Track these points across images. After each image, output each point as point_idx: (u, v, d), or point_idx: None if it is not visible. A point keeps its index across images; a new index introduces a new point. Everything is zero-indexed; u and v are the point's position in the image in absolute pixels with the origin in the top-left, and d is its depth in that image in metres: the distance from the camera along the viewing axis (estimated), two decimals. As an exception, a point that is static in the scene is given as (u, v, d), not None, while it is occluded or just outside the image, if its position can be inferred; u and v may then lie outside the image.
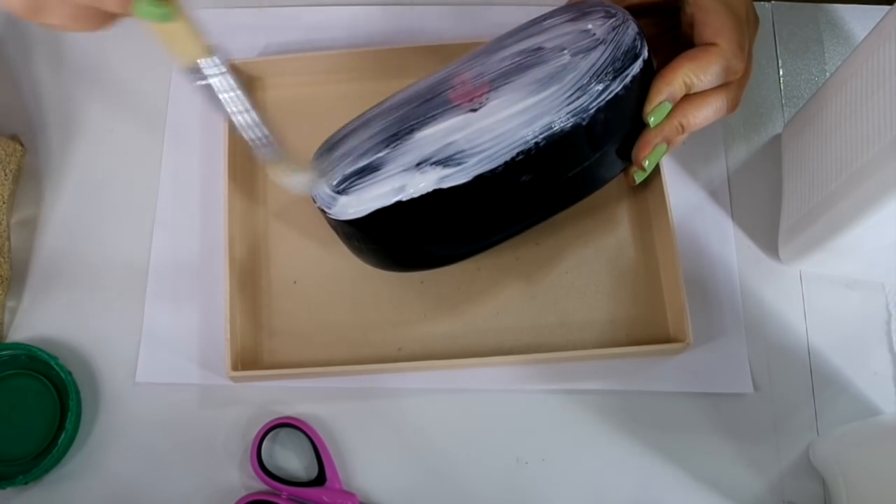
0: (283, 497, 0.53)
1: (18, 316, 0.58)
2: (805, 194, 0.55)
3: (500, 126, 0.47)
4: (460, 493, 0.54)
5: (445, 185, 0.48)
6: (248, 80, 0.63)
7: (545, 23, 0.51)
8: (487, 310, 0.57)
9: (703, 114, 0.51)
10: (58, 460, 0.54)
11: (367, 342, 0.57)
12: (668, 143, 0.51)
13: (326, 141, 0.53)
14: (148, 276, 0.59)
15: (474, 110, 0.48)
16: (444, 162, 0.47)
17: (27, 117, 0.63)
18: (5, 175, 0.58)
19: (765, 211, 0.60)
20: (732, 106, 0.52)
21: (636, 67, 0.49)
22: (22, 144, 0.61)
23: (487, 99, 0.48)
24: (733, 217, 0.60)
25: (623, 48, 0.48)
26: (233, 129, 0.45)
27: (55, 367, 0.54)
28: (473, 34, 0.62)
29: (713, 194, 0.61)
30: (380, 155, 0.49)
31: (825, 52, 0.65)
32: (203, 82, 0.43)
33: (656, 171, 0.57)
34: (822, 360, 0.57)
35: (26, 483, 0.53)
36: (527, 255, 0.58)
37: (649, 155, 0.51)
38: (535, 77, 0.48)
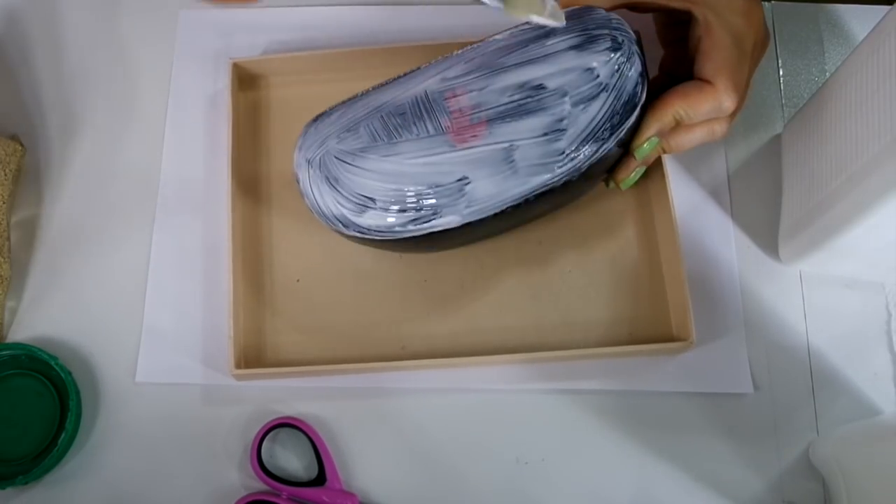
0: (283, 497, 0.53)
1: (18, 316, 0.58)
2: (805, 194, 0.55)
3: (495, 185, 0.49)
4: (460, 493, 0.54)
5: (436, 229, 0.50)
6: (250, 79, 0.63)
7: (549, 43, 0.50)
8: (490, 309, 0.57)
9: (688, 140, 0.53)
10: (58, 460, 0.54)
11: (371, 340, 0.57)
12: (647, 164, 0.54)
13: (314, 124, 0.52)
14: (148, 277, 0.59)
15: (470, 148, 0.49)
16: (437, 211, 0.49)
17: (27, 117, 0.63)
18: (5, 175, 0.58)
19: (765, 211, 0.60)
20: (720, 137, 0.53)
21: (633, 118, 0.50)
22: (22, 144, 0.61)
23: (484, 141, 0.49)
24: (733, 217, 0.60)
25: (623, 98, 0.49)
26: None
27: (55, 367, 0.54)
28: (475, 33, 0.62)
29: (713, 194, 0.61)
30: (371, 194, 0.49)
31: (825, 52, 0.65)
32: None
33: (660, 169, 0.57)
34: (822, 360, 0.57)
35: (26, 483, 0.53)
36: (529, 254, 0.58)
37: (628, 177, 0.54)
38: (532, 127, 0.49)
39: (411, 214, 0.49)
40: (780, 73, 0.64)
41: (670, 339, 0.56)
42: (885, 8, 0.50)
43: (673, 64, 0.56)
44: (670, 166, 0.59)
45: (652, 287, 0.58)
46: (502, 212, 0.50)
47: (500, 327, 0.57)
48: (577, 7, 0.51)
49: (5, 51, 0.65)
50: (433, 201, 0.49)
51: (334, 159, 0.50)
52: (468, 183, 0.49)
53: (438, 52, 0.57)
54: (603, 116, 0.49)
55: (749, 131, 0.62)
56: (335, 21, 0.65)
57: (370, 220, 0.50)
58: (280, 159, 0.61)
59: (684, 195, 0.60)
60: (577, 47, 0.49)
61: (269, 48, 0.64)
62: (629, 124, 0.50)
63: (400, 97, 0.51)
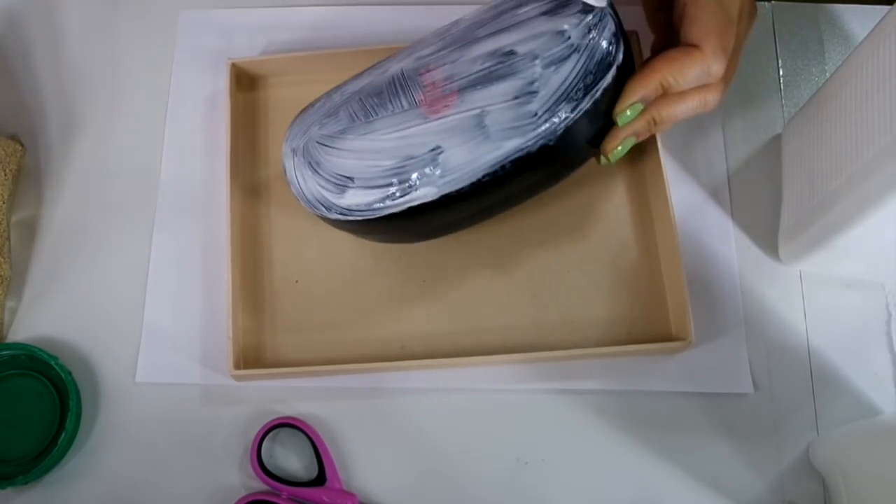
0: (283, 497, 0.53)
1: (18, 316, 0.58)
2: (805, 194, 0.55)
3: (468, 152, 0.49)
4: (460, 493, 0.54)
5: (415, 203, 0.49)
6: (249, 79, 0.63)
7: (520, 11, 0.50)
8: (490, 308, 0.57)
9: (678, 110, 0.51)
10: (58, 460, 0.54)
11: (370, 341, 0.57)
12: (638, 136, 0.52)
13: (299, 116, 0.53)
14: (148, 277, 0.59)
15: (441, 118, 0.49)
16: (414, 184, 0.49)
17: (27, 117, 0.63)
18: (5, 175, 0.58)
19: (765, 211, 0.60)
20: (712, 106, 0.52)
21: (608, 78, 0.49)
22: (22, 144, 0.61)
23: (455, 109, 0.49)
24: (733, 217, 0.60)
25: (597, 57, 0.48)
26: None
27: (55, 367, 0.54)
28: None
29: (713, 194, 0.61)
30: (349, 172, 0.50)
31: (825, 52, 0.65)
32: None
33: (660, 169, 0.57)
34: (823, 360, 0.57)
35: (26, 483, 0.53)
36: (529, 254, 0.58)
37: (616, 147, 0.52)
38: (503, 91, 0.48)
39: (388, 190, 0.49)
40: (781, 72, 0.64)
41: (669, 338, 0.56)
42: (885, 8, 0.50)
43: (664, 48, 0.56)
44: (670, 166, 0.59)
45: (651, 287, 0.57)
46: (480, 183, 0.49)
47: (499, 327, 0.57)
48: None
49: (5, 51, 0.65)
50: (408, 174, 0.49)
51: (316, 144, 0.50)
52: (441, 152, 0.49)
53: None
54: (576, 77, 0.48)
55: (749, 131, 0.62)
56: (335, 21, 0.65)
57: (350, 199, 0.50)
58: (279, 159, 0.61)
59: (684, 195, 0.60)
60: (548, 13, 0.49)
61: (268, 48, 0.64)
62: (604, 85, 0.49)
63: (378, 80, 0.51)
